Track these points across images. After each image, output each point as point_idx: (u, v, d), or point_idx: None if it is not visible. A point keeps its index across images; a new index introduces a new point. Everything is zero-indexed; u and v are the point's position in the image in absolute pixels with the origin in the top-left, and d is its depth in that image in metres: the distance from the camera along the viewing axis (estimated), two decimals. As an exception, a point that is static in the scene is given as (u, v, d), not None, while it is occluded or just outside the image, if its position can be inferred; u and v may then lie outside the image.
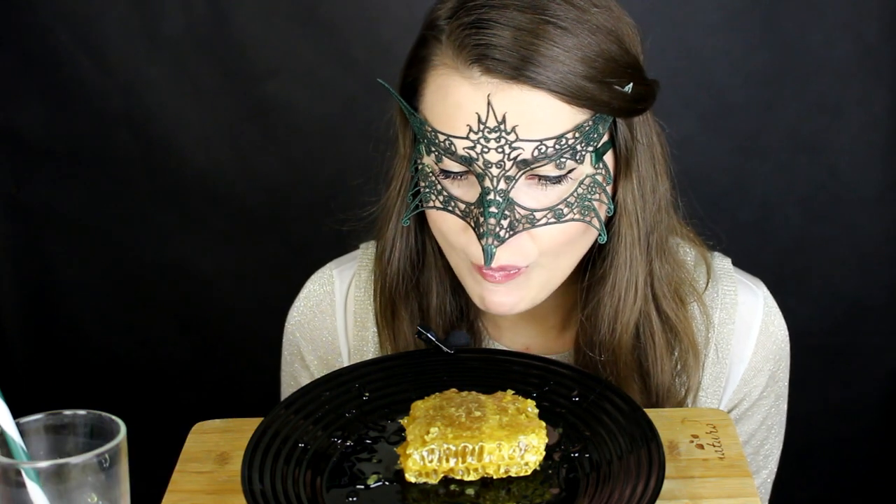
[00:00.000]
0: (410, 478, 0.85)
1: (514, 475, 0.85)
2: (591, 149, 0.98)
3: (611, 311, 1.06)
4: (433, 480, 0.85)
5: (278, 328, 1.24)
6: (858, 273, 1.88)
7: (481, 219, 0.97)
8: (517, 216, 0.97)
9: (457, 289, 1.12)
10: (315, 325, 1.21)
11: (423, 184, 1.02)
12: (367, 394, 0.96)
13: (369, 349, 1.18)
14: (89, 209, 1.91)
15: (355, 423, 0.93)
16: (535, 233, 0.99)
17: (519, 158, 0.95)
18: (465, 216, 0.99)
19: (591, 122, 0.97)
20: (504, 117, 0.94)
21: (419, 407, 0.89)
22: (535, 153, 0.95)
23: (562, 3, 0.97)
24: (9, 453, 0.76)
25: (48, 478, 0.74)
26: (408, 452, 0.84)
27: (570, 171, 0.98)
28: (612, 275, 1.06)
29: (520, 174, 0.96)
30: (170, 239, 1.92)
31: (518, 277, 1.01)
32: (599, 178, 1.00)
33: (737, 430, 0.95)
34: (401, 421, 0.91)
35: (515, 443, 0.84)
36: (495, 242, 0.96)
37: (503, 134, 0.95)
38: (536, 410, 0.88)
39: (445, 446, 0.84)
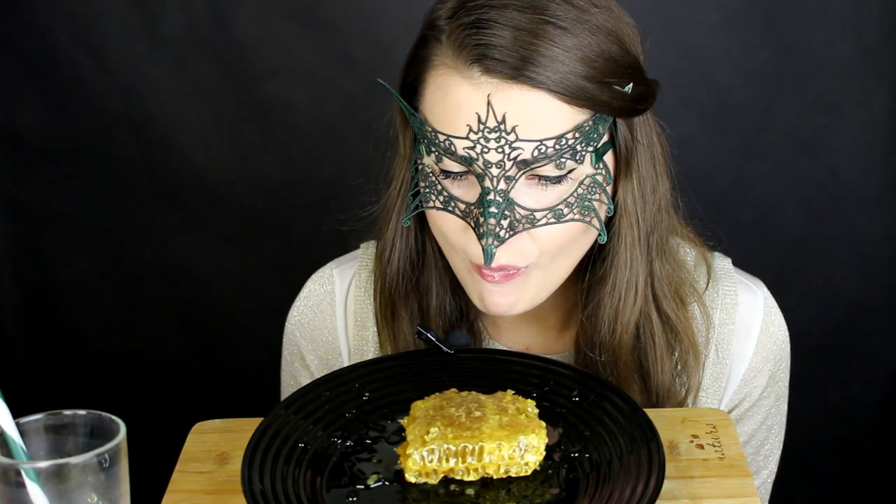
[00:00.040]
0: (410, 478, 0.85)
1: (514, 475, 0.85)
2: (591, 149, 0.98)
3: (611, 311, 1.06)
4: (433, 480, 0.85)
5: (278, 328, 1.24)
6: (858, 273, 1.88)
7: (481, 219, 0.97)
8: (517, 216, 0.97)
9: (457, 289, 1.12)
10: (315, 324, 1.21)
11: (423, 184, 1.02)
12: (367, 394, 0.96)
13: (369, 349, 1.18)
14: (89, 209, 1.91)
15: (355, 423, 0.93)
16: (535, 233, 0.99)
17: (519, 158, 0.95)
18: (465, 216, 0.99)
19: (591, 123, 0.97)
20: (504, 117, 0.94)
21: (419, 407, 0.89)
22: (535, 153, 0.95)
23: (562, 3, 0.97)
24: (9, 453, 0.76)
25: (48, 478, 0.74)
26: (408, 452, 0.84)
27: (570, 172, 0.98)
28: (612, 275, 1.06)
29: (520, 174, 0.96)
30: (170, 239, 1.92)
31: (517, 278, 1.01)
32: (599, 178, 1.00)
33: (737, 431, 0.95)
34: (401, 421, 0.91)
35: (515, 443, 0.84)
36: (495, 242, 0.96)
37: (503, 134, 0.95)
38: (536, 410, 0.88)
39: (445, 446, 0.84)
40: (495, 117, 0.94)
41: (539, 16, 0.95)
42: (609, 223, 1.04)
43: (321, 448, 0.90)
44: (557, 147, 0.96)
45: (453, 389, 0.92)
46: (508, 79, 0.94)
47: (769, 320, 1.15)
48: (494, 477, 0.85)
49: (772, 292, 1.18)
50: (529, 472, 0.85)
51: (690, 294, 1.12)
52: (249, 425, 0.92)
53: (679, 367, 1.10)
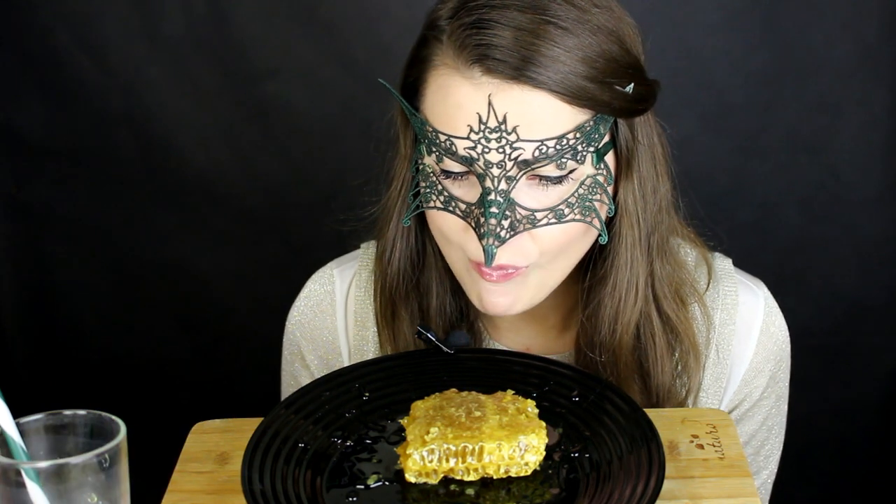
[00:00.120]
0: (410, 478, 0.85)
1: (514, 475, 0.85)
2: (591, 149, 0.98)
3: (611, 311, 1.06)
4: (433, 480, 0.85)
5: (278, 328, 1.24)
6: (858, 273, 1.88)
7: (482, 219, 0.97)
8: (518, 216, 0.97)
9: (457, 289, 1.12)
10: (315, 324, 1.21)
11: (423, 184, 1.02)
12: (367, 394, 0.96)
13: (369, 349, 1.18)
14: (89, 209, 1.91)
15: (355, 423, 0.93)
16: (536, 233, 0.99)
17: (520, 159, 0.95)
18: (465, 216, 0.99)
19: (592, 123, 0.97)
20: (505, 117, 0.94)
21: (419, 407, 0.89)
22: (536, 153, 0.95)
23: (563, 4, 0.97)
24: (9, 453, 0.76)
25: (48, 478, 0.74)
26: (408, 452, 0.84)
27: (570, 172, 0.98)
28: (612, 275, 1.06)
29: (521, 174, 0.96)
30: (170, 239, 1.92)
31: (516, 278, 1.01)
32: (600, 178, 1.00)
33: (737, 431, 0.95)
34: (401, 421, 0.91)
35: (515, 443, 0.84)
36: (496, 243, 0.96)
37: (504, 134, 0.95)
38: (536, 410, 0.88)
39: (445, 446, 0.84)
40: (496, 117, 0.94)
41: (540, 16, 0.95)
42: (610, 223, 1.04)
43: (321, 448, 0.90)
44: (558, 147, 0.96)
45: (453, 389, 0.92)
46: (509, 79, 0.94)
47: (770, 321, 1.15)
48: (494, 477, 0.85)
49: (772, 292, 1.18)
50: (529, 472, 0.85)
51: (691, 294, 1.12)
52: (249, 425, 0.92)
53: (679, 367, 1.10)
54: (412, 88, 1.02)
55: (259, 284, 1.91)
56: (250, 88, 1.83)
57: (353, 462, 0.89)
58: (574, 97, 0.95)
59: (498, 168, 0.96)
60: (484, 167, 0.96)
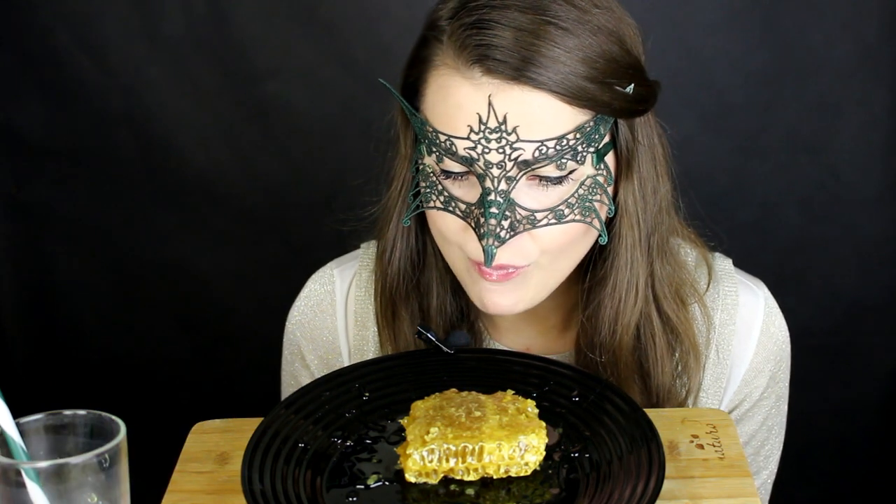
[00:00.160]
0: (410, 478, 0.85)
1: (514, 475, 0.85)
2: (592, 150, 0.98)
3: (611, 312, 1.06)
4: (433, 480, 0.85)
5: (278, 328, 1.24)
6: (858, 273, 1.88)
7: (482, 219, 0.97)
8: (518, 217, 0.97)
9: (457, 289, 1.12)
10: (315, 324, 1.21)
11: (423, 184, 1.02)
12: (367, 394, 0.96)
13: (370, 349, 1.18)
14: (89, 209, 1.91)
15: (355, 423, 0.93)
16: (536, 233, 0.99)
17: (520, 159, 0.95)
18: (465, 216, 0.99)
19: (592, 123, 0.97)
20: (505, 118, 0.94)
21: (419, 407, 0.89)
22: (536, 154, 0.95)
23: (563, 4, 0.97)
24: (9, 453, 0.76)
25: (48, 478, 0.74)
26: (408, 452, 0.84)
27: (571, 172, 0.98)
28: (612, 276, 1.06)
29: (521, 175, 0.96)
30: (170, 239, 1.92)
31: (516, 277, 1.01)
32: (600, 178, 1.00)
33: (737, 431, 0.95)
34: (401, 421, 0.91)
35: (515, 443, 0.84)
36: (496, 243, 0.96)
37: (504, 134, 0.94)
38: (536, 410, 0.88)
39: (445, 446, 0.84)
40: (496, 118, 0.94)
41: (540, 16, 0.95)
42: (610, 224, 1.04)
43: (321, 448, 0.90)
44: (558, 148, 0.96)
45: (453, 389, 0.92)
46: (509, 79, 0.94)
47: (770, 321, 1.15)
48: (494, 477, 0.85)
49: (772, 292, 1.18)
50: (529, 472, 0.85)
51: (691, 295, 1.12)
52: (249, 425, 0.92)
53: (679, 367, 1.10)
54: (412, 88, 1.02)
55: (259, 284, 1.91)
56: (250, 88, 1.83)
57: (353, 462, 0.89)
58: (574, 98, 0.95)
59: (498, 168, 0.96)
60: (484, 167, 0.96)
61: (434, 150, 0.98)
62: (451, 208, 1.00)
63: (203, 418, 0.98)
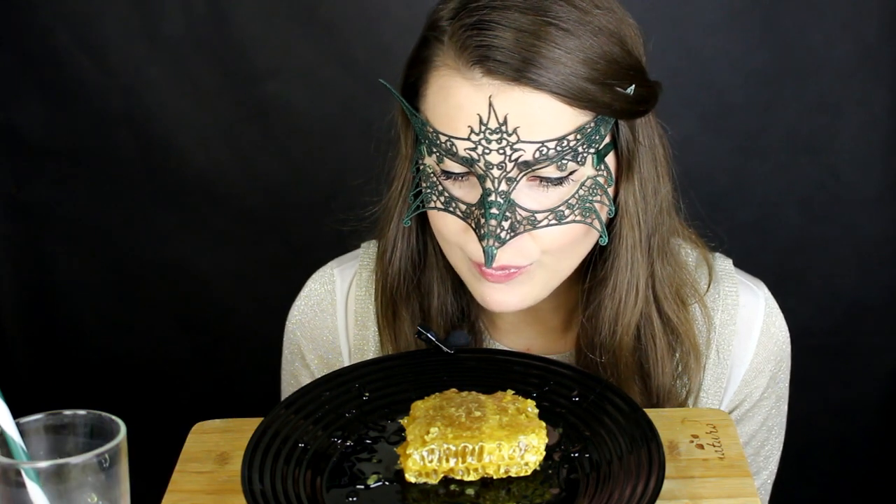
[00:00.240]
0: (410, 478, 0.85)
1: (514, 475, 0.85)
2: (592, 150, 0.98)
3: (612, 312, 1.06)
4: (433, 480, 0.85)
5: (278, 328, 1.24)
6: (858, 273, 1.88)
7: (482, 220, 0.97)
8: (518, 217, 0.97)
9: (458, 289, 1.12)
10: (316, 324, 1.21)
11: (424, 184, 1.02)
12: (367, 394, 0.96)
13: (370, 349, 1.18)
14: (89, 209, 1.91)
15: (355, 423, 0.93)
16: (537, 234, 0.99)
17: (520, 160, 0.95)
18: (466, 217, 0.99)
19: (592, 124, 0.97)
20: (505, 119, 0.94)
21: (419, 407, 0.89)
22: (537, 155, 0.95)
23: (564, 5, 0.96)
24: (9, 453, 0.76)
25: (48, 478, 0.74)
26: (408, 452, 0.84)
27: (571, 173, 0.98)
28: (613, 276, 1.06)
29: (521, 175, 0.96)
30: (170, 239, 1.92)
31: (519, 276, 1.01)
32: (601, 179, 1.00)
33: (737, 431, 0.95)
34: (401, 421, 0.91)
35: (515, 443, 0.84)
36: (496, 244, 0.96)
37: (504, 135, 0.94)
38: (536, 410, 0.88)
39: (445, 446, 0.84)
40: (497, 118, 0.94)
41: (541, 17, 0.95)
42: (610, 225, 1.04)
43: (321, 448, 0.90)
44: (559, 149, 0.96)
45: (453, 389, 0.92)
46: (510, 80, 0.94)
47: (770, 321, 1.15)
48: (494, 477, 0.85)
49: (772, 292, 1.18)
50: (529, 472, 0.85)
51: (691, 295, 1.12)
52: (249, 425, 0.92)
53: (680, 368, 1.10)
54: (413, 89, 1.02)
55: (259, 284, 1.91)
56: (250, 88, 1.83)
57: (353, 462, 0.89)
58: (575, 99, 0.95)
59: (498, 169, 0.96)
60: (484, 168, 0.96)
61: (434, 150, 0.98)
62: (451, 209, 1.00)
63: (203, 418, 0.98)
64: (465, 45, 0.96)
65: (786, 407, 1.20)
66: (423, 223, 1.10)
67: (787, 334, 1.17)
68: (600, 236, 1.01)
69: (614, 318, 1.06)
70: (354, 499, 0.84)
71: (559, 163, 0.96)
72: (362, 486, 0.85)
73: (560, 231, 0.99)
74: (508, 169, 0.95)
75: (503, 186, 0.96)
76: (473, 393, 0.90)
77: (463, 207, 0.99)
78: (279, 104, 1.83)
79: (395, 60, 1.07)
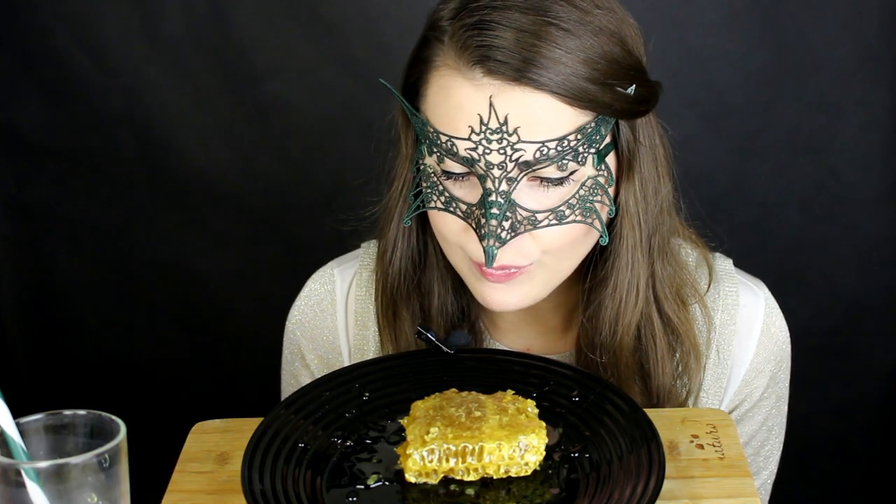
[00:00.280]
0: (410, 478, 0.85)
1: (514, 475, 0.85)
2: (593, 150, 0.98)
3: (612, 312, 1.06)
4: (433, 480, 0.85)
5: (278, 328, 1.24)
6: (858, 273, 1.88)
7: (483, 220, 0.97)
8: (519, 217, 0.97)
9: (458, 289, 1.12)
10: (316, 324, 1.21)
11: (424, 184, 1.02)
12: (367, 394, 0.96)
13: (370, 349, 1.18)
14: (89, 209, 1.91)
15: (355, 423, 0.93)
16: (537, 234, 0.99)
17: (521, 160, 0.95)
18: (466, 217, 0.99)
19: (593, 124, 0.97)
20: (506, 119, 0.94)
21: (419, 407, 0.89)
22: (537, 155, 0.95)
23: (564, 5, 0.96)
24: (9, 453, 0.76)
25: (48, 478, 0.74)
26: (408, 452, 0.84)
27: (571, 173, 0.98)
28: (613, 276, 1.06)
29: (521, 176, 0.96)
30: (170, 239, 1.92)
31: (519, 276, 1.01)
32: (601, 179, 1.00)
33: (737, 431, 0.95)
34: (401, 421, 0.91)
35: (515, 443, 0.84)
36: (496, 244, 0.96)
37: (505, 135, 0.94)
38: (536, 410, 0.88)
39: (445, 446, 0.84)
40: (497, 118, 0.94)
41: (542, 17, 0.95)
42: (611, 225, 1.04)
43: (321, 448, 0.90)
44: (559, 149, 0.96)
45: (453, 389, 0.92)
46: (511, 80, 0.94)
47: (770, 321, 1.15)
48: (494, 477, 0.85)
49: (772, 292, 1.18)
50: (529, 472, 0.85)
51: (692, 295, 1.12)
52: (249, 425, 0.92)
53: (680, 368, 1.10)
54: (413, 89, 1.02)
55: (259, 284, 1.91)
56: (250, 88, 1.83)
57: (353, 462, 0.89)
58: (575, 99, 0.95)
59: (499, 169, 0.96)
60: (485, 168, 0.96)
61: (435, 150, 0.98)
62: (451, 209, 1.00)
63: (203, 418, 0.98)
64: (466, 45, 0.96)
65: (786, 407, 1.20)
66: (423, 223, 1.10)
67: (787, 334, 1.17)
68: (601, 236, 1.01)
69: (615, 318, 1.06)
70: (354, 499, 0.84)
71: (560, 163, 0.96)
72: (362, 486, 0.85)
73: (561, 231, 0.99)
74: (509, 169, 0.95)
75: (504, 186, 0.96)
76: (473, 393, 0.90)
77: (463, 207, 0.99)
78: (279, 104, 1.83)
79: (395, 60, 1.07)
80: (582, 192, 0.99)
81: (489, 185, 0.96)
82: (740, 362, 1.14)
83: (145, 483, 0.97)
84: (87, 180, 1.90)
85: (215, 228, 1.91)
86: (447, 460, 0.84)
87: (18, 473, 0.74)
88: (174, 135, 1.85)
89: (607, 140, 1.00)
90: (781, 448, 1.21)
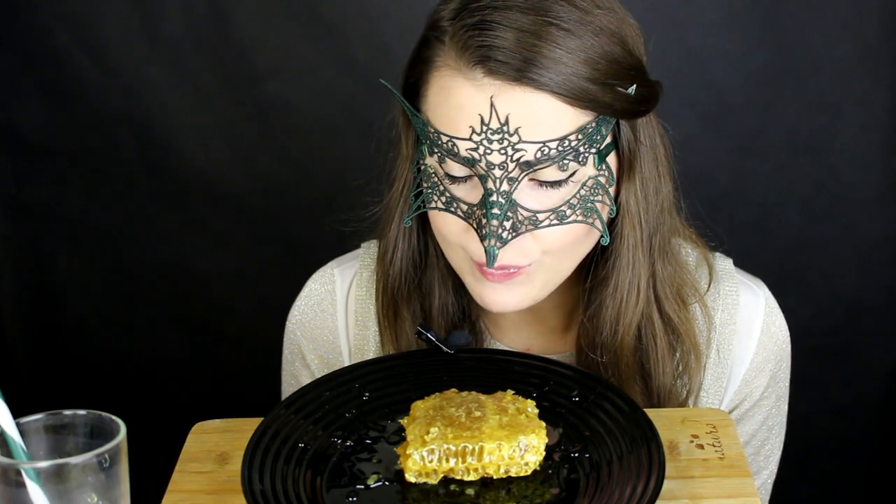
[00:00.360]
0: (410, 478, 0.85)
1: (514, 475, 0.85)
2: (593, 150, 0.98)
3: (613, 312, 1.06)
4: (433, 480, 0.85)
5: (278, 328, 1.24)
6: (858, 273, 1.88)
7: (484, 220, 0.97)
8: (520, 218, 0.97)
9: (459, 289, 1.12)
10: (316, 324, 1.21)
11: (425, 184, 1.02)
12: (367, 394, 0.96)
13: (370, 349, 1.18)
14: (89, 209, 1.91)
15: (355, 423, 0.93)
16: (538, 234, 0.99)
17: (522, 160, 0.95)
18: (467, 217, 0.99)
19: (594, 124, 0.97)
20: (507, 119, 0.94)
21: (419, 407, 0.89)
22: (538, 155, 0.95)
23: (565, 5, 0.96)
24: (9, 453, 0.76)
25: (48, 478, 0.74)
26: (408, 452, 0.84)
27: (572, 173, 0.98)
28: (614, 276, 1.06)
29: (522, 176, 0.96)
30: (170, 239, 1.92)
31: (519, 276, 1.01)
32: (602, 179, 1.00)
33: (737, 431, 0.95)
34: (401, 421, 0.91)
35: (515, 443, 0.84)
36: (497, 244, 0.96)
37: (506, 135, 0.94)
38: (536, 410, 0.88)
39: (445, 446, 0.84)
40: (498, 119, 0.94)
41: (542, 17, 0.95)
42: (611, 225, 1.04)
43: (321, 448, 0.90)
44: (560, 149, 0.96)
45: (453, 389, 0.92)
46: (511, 80, 0.94)
47: (770, 321, 1.15)
48: (494, 477, 0.85)
49: (772, 292, 1.18)
50: (529, 472, 0.85)
51: (692, 295, 1.12)
52: (249, 425, 0.92)
53: (680, 368, 1.10)
54: (413, 89, 1.02)
55: (259, 284, 1.91)
56: (250, 88, 1.83)
57: (353, 462, 0.89)
58: (576, 99, 0.95)
59: (500, 169, 0.96)
60: (486, 168, 0.96)
61: (436, 150, 0.98)
62: (452, 209, 1.00)
63: (203, 418, 0.98)
64: (467, 45, 0.96)
65: (786, 406, 1.20)
66: (423, 223, 1.10)
67: (788, 334, 1.17)
68: (602, 236, 1.01)
69: (615, 317, 1.06)
70: (354, 499, 0.84)
71: (560, 163, 0.96)
72: (362, 486, 0.85)
73: (561, 231, 0.99)
74: (510, 169, 0.95)
75: (505, 186, 0.96)
76: (473, 393, 0.90)
77: (464, 207, 0.99)
78: (279, 104, 1.83)
79: (395, 60, 1.07)
80: (583, 191, 0.99)
81: (490, 185, 0.96)
82: (740, 362, 1.14)
83: (145, 483, 0.97)
84: (87, 180, 1.90)
85: (215, 228, 1.91)
86: (447, 460, 0.84)
87: (18, 473, 0.74)
88: (174, 135, 1.85)
89: (608, 140, 1.00)
90: (782, 448, 1.21)
